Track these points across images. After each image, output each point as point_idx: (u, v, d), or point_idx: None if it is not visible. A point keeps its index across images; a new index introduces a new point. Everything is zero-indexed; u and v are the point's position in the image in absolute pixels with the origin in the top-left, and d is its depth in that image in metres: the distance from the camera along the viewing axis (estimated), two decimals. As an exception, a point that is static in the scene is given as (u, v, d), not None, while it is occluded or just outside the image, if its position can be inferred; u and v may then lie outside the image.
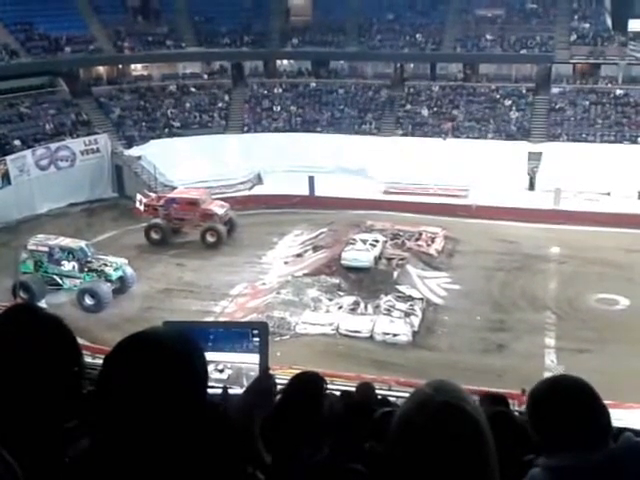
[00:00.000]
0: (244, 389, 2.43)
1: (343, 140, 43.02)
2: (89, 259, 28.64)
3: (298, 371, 3.48)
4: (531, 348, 24.34)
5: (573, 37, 45.66)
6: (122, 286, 28.83)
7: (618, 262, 30.32)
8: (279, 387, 2.80)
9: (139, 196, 35.74)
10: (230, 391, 2.42)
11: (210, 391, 2.36)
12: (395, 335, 25.16)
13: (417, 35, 47.73)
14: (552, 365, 22.81)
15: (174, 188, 37.81)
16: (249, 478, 2.05)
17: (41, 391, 1.76)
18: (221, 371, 2.54)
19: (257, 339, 2.52)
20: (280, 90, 48.41)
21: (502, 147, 41.22)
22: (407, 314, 26.48)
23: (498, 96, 45.44)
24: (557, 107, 44.10)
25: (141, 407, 1.58)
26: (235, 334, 2.60)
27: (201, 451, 1.70)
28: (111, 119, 44.45)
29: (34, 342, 1.80)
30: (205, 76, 49.30)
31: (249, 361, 2.51)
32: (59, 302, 27.42)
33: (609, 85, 44.29)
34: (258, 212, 37.51)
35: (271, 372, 2.56)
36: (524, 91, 45.57)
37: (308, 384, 3.14)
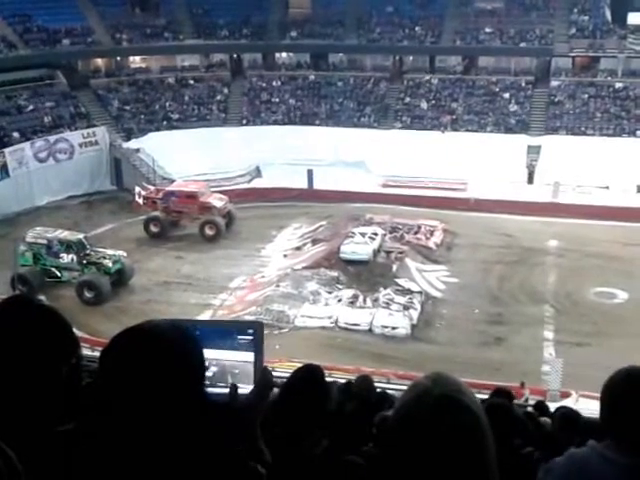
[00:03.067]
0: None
1: (342, 133, 42.91)
2: (87, 252, 28.62)
3: (297, 364, 3.49)
4: (529, 341, 24.39)
5: (572, 30, 45.57)
6: (121, 279, 28.83)
7: (616, 255, 30.36)
8: (278, 381, 2.80)
9: (138, 189, 35.65)
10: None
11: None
12: (394, 328, 25.19)
13: (416, 28, 47.59)
14: (550, 358, 22.83)
15: (173, 181, 37.73)
16: (251, 472, 2.05)
17: (38, 383, 1.76)
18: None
19: (245, 337, 2.54)
20: (279, 83, 48.30)
21: (501, 140, 41.16)
22: (406, 307, 26.51)
23: (497, 89, 45.36)
24: (556, 100, 44.04)
25: (138, 400, 1.59)
26: (223, 331, 2.61)
27: (202, 444, 1.70)
28: (109, 112, 44.35)
29: (30, 334, 1.79)
30: (204, 69, 49.19)
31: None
32: (58, 295, 27.42)
33: (608, 78, 44.21)
34: (257, 205, 37.45)
35: (269, 369, 2.57)
36: (523, 84, 45.48)
37: (308, 376, 3.14)
